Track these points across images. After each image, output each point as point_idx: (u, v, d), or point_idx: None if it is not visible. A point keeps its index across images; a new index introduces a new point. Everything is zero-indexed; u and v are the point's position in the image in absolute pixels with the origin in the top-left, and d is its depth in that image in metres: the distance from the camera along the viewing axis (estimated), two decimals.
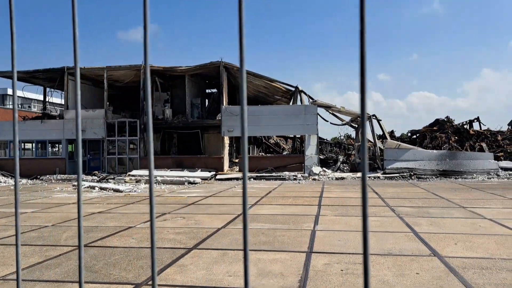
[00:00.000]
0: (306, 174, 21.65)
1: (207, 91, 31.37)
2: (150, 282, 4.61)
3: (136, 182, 19.65)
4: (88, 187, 16.99)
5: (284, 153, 31.62)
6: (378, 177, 20.91)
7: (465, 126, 29.62)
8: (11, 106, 48.43)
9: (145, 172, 21.49)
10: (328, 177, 21.03)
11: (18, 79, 27.71)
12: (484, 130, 29.75)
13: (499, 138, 28.26)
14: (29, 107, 51.08)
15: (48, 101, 29.43)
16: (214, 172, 22.04)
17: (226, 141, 24.24)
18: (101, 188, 16.38)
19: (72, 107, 25.67)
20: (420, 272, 4.77)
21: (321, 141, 30.85)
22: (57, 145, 26.83)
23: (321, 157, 26.42)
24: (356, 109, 30.52)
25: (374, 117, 25.00)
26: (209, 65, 23.78)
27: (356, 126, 26.64)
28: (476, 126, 30.28)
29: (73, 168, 25.31)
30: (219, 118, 23.88)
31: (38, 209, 10.98)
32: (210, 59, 23.73)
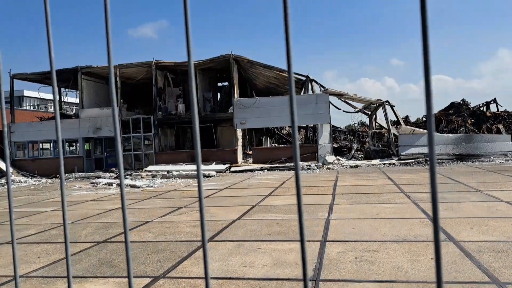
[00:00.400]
0: (320, 164, 21.62)
1: (218, 84, 31.47)
2: (168, 275, 4.72)
3: (153, 177, 19.92)
4: (106, 184, 17.30)
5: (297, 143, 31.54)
6: (393, 163, 20.75)
7: (481, 109, 29.10)
8: (28, 107, 49.36)
9: (160, 167, 21.75)
10: (343, 166, 20.96)
11: (33, 81, 28.22)
12: (501, 111, 29.17)
13: None
14: (45, 107, 51.95)
15: (63, 101, 29.93)
16: (228, 165, 22.18)
17: (239, 133, 24.33)
18: (119, 185, 16.65)
19: (86, 106, 26.05)
20: (435, 257, 4.78)
21: (334, 130, 30.70)
22: (74, 143, 27.30)
23: (335, 145, 26.33)
24: (369, 95, 30.22)
25: (387, 103, 24.73)
26: (219, 58, 23.81)
27: (369, 113, 26.40)
28: (493, 108, 29.71)
29: (90, 165, 25.76)
30: (231, 111, 23.95)
31: (58, 207, 11.25)
32: (220, 53, 23.75)
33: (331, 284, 4.12)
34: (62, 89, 29.64)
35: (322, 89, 24.27)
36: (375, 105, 25.55)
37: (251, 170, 20.93)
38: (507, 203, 8.06)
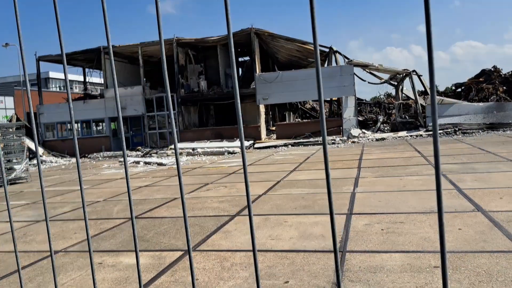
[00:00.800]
0: (345, 138, 21.43)
1: (240, 59, 31.25)
2: (198, 248, 4.88)
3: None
4: (133, 162, 17.74)
5: None
6: (421, 135, 20.36)
7: None
8: (54, 89, 50.55)
9: (185, 144, 22.07)
10: (368, 139, 20.71)
11: (57, 62, 28.75)
12: None
13: None
14: (71, 88, 52.97)
15: (88, 81, 30.48)
16: (252, 141, 22.29)
17: (262, 109, 24.27)
18: (145, 163, 17.06)
19: (111, 86, 26.46)
20: (462, 228, 4.74)
21: (359, 102, 30.18)
22: (100, 123, 27.96)
23: (360, 118, 25.96)
24: (395, 65, 29.40)
25: (414, 73, 24.05)
26: (240, 32, 23.56)
27: (396, 83, 25.78)
28: None
29: (118, 144, 26.39)
30: (253, 86, 23.85)
31: (89, 186, 11.66)
32: (241, 27, 23.50)
33: (357, 255, 4.17)
34: (86, 70, 30.16)
35: (346, 60, 23.78)
36: (401, 75, 24.90)
37: (275, 146, 20.97)
38: None
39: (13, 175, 13.81)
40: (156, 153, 21.39)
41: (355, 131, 22.00)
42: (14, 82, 35.94)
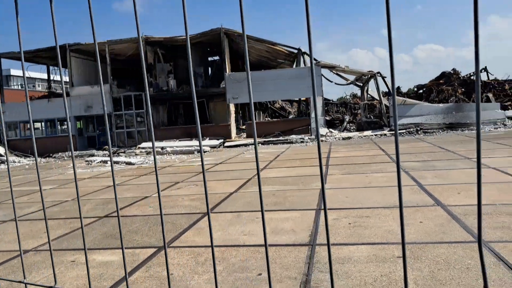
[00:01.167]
0: (313, 137, 21.87)
1: (209, 59, 31.21)
2: (172, 245, 4.96)
3: (147, 154, 20.05)
4: (100, 161, 17.43)
5: (290, 116, 31.72)
6: (385, 134, 21.07)
7: (471, 78, 29.29)
8: (16, 87, 48.66)
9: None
10: (335, 138, 21.24)
11: (19, 59, 27.71)
12: (491, 80, 29.45)
13: (507, 87, 28.01)
14: (33, 86, 51.19)
15: (52, 80, 29.59)
16: (222, 140, 22.35)
17: (232, 108, 24.38)
18: (114, 162, 16.80)
19: (76, 84, 25.81)
20: (423, 221, 5.06)
21: (326, 102, 30.84)
22: (65, 122, 27.20)
23: (327, 118, 26.56)
24: (361, 67, 30.17)
25: (379, 75, 24.84)
26: (210, 32, 23.58)
27: (361, 84, 26.53)
28: (483, 76, 29.96)
29: (83, 144, 25.78)
30: (223, 86, 23.92)
31: (56, 185, 11.41)
32: (210, 27, 23.50)
33: (327, 248, 4.38)
34: (51, 67, 29.27)
35: (314, 61, 24.24)
36: (366, 77, 25.65)
37: (245, 145, 21.13)
38: (494, 169, 8.37)
39: None
40: (124, 152, 21.08)
41: (323, 130, 22.50)
42: None
